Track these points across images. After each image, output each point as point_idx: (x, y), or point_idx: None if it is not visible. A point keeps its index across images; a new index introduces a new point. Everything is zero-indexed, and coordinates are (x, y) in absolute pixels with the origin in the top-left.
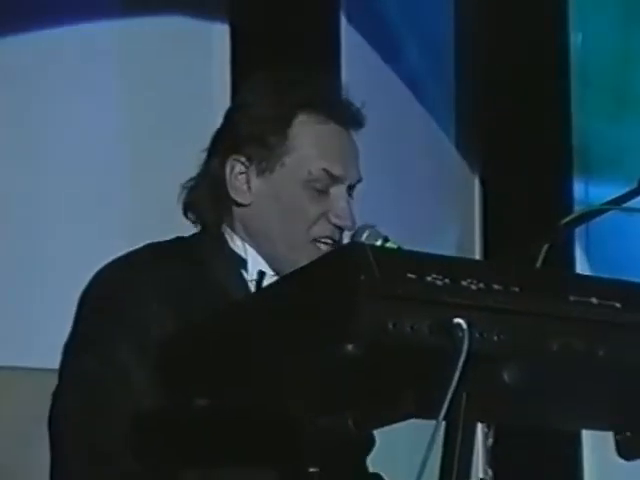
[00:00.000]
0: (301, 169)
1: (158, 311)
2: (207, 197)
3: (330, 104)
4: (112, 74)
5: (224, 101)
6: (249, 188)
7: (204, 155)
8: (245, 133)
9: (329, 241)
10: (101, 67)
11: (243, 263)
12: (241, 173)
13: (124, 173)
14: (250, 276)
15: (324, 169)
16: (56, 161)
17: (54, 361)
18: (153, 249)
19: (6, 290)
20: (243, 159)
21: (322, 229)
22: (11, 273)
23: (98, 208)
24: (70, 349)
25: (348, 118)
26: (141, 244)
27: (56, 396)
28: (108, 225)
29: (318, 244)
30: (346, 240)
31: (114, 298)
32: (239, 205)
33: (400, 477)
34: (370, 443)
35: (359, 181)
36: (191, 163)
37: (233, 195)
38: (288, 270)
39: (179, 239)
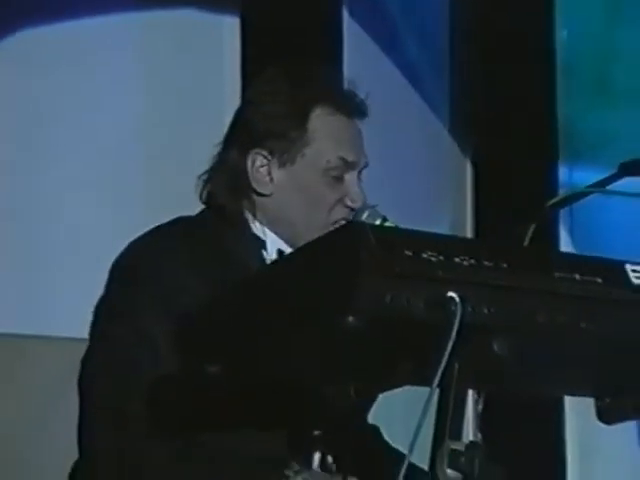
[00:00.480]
0: (320, 159)
1: (186, 283)
2: (226, 187)
3: (340, 97)
4: (128, 65)
5: (234, 91)
6: (271, 179)
7: (215, 146)
8: (264, 128)
9: (344, 222)
10: (118, 58)
11: (262, 244)
12: (262, 166)
13: (139, 159)
14: (269, 255)
15: (341, 158)
16: (75, 146)
17: (77, 330)
18: (183, 224)
19: (32, 262)
20: (265, 152)
21: (340, 213)
22: (38, 245)
23: (116, 184)
24: (101, 316)
25: (355, 109)
26: (157, 217)
27: (86, 360)
28: (125, 203)
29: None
30: None
31: (145, 268)
32: (260, 195)
33: (397, 439)
34: (371, 399)
35: (366, 165)
36: (202, 150)
37: (255, 186)
38: None
39: (203, 216)
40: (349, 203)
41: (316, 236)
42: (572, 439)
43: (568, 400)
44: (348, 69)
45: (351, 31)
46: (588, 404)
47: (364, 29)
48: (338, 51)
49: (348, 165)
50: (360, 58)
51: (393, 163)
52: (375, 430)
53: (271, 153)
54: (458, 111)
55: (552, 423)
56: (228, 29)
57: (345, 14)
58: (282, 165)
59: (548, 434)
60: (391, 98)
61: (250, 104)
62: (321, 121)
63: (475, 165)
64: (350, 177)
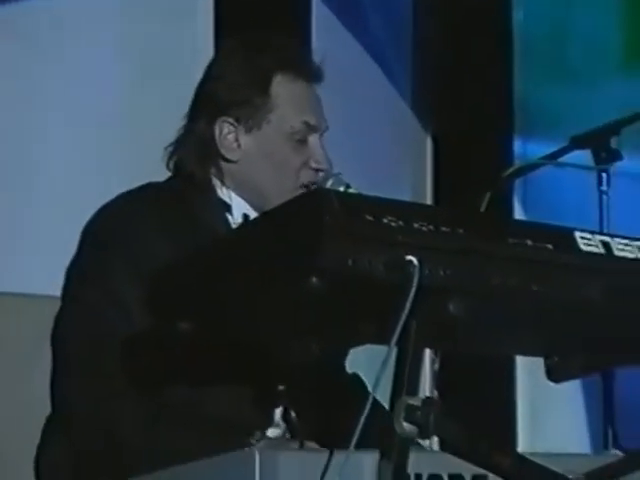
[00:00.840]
0: (285, 124)
1: (155, 246)
2: (195, 156)
3: (298, 64)
4: (108, 32)
5: (208, 59)
6: (239, 146)
7: (182, 118)
8: (229, 97)
9: (314, 186)
10: (95, 26)
11: (228, 208)
12: (229, 133)
13: (118, 125)
14: (235, 220)
15: (304, 122)
16: (56, 113)
17: (52, 289)
18: (152, 189)
19: (9, 224)
20: (231, 120)
21: (306, 176)
22: (16, 208)
23: (96, 151)
24: (73, 279)
25: (313, 74)
26: (135, 181)
27: (59, 322)
28: (105, 164)
29: (305, 189)
30: None
31: (115, 233)
32: (229, 161)
33: None
34: (344, 353)
35: (327, 129)
36: (176, 114)
37: (223, 152)
38: None
39: (172, 182)
40: (314, 165)
41: (285, 199)
42: (522, 396)
43: (519, 359)
44: (316, 44)
45: (319, 9)
46: (538, 363)
47: (330, 8)
48: (307, 27)
49: (310, 128)
50: (327, 35)
51: (358, 136)
52: (355, 378)
53: (237, 120)
54: (419, 88)
55: (504, 381)
56: (202, 2)
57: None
58: (249, 131)
59: (500, 391)
60: (356, 75)
61: (212, 76)
62: (282, 87)
63: (435, 138)
64: (313, 140)
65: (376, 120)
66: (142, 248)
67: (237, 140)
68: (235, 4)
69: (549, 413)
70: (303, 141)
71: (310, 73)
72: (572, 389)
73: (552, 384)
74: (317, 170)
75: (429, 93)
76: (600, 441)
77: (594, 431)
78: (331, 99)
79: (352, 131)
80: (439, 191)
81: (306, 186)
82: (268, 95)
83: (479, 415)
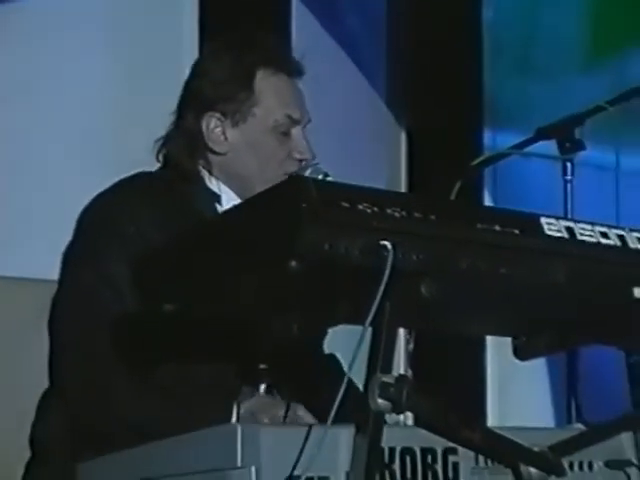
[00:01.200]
0: (269, 117)
1: (146, 232)
2: (184, 149)
3: (279, 59)
4: (93, 30)
5: (193, 56)
6: (225, 139)
7: (170, 114)
8: (214, 93)
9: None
10: (83, 23)
11: (218, 198)
12: (217, 127)
13: (104, 116)
14: (222, 208)
15: (287, 115)
16: (48, 105)
17: (48, 273)
18: (144, 178)
19: (9, 212)
20: (218, 115)
21: (289, 166)
22: (15, 197)
23: (89, 143)
24: (70, 260)
25: (294, 69)
26: (125, 171)
27: (56, 302)
28: (97, 155)
29: None
30: None
31: (108, 219)
32: (216, 154)
33: None
34: (323, 333)
35: (309, 121)
36: (161, 108)
37: (211, 146)
38: None
39: (163, 172)
40: (297, 155)
41: None
42: (492, 373)
43: (489, 339)
44: (295, 42)
45: (298, 9)
46: (507, 343)
47: (309, 8)
48: (287, 26)
49: (293, 121)
50: (305, 33)
51: (335, 131)
52: (332, 358)
53: (224, 115)
54: (394, 84)
55: (474, 359)
56: (187, 1)
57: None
58: (235, 125)
59: (471, 369)
60: (333, 72)
61: (198, 73)
62: (266, 82)
63: (409, 132)
64: (296, 132)
65: (353, 115)
66: (135, 233)
67: (224, 133)
68: (219, 4)
69: (517, 389)
70: (286, 133)
71: (291, 68)
72: (538, 367)
73: (519, 362)
74: (300, 160)
75: (403, 89)
76: (564, 415)
77: (558, 405)
78: (309, 95)
79: (330, 126)
80: (413, 183)
81: (286, 176)
82: (252, 90)
83: (451, 391)
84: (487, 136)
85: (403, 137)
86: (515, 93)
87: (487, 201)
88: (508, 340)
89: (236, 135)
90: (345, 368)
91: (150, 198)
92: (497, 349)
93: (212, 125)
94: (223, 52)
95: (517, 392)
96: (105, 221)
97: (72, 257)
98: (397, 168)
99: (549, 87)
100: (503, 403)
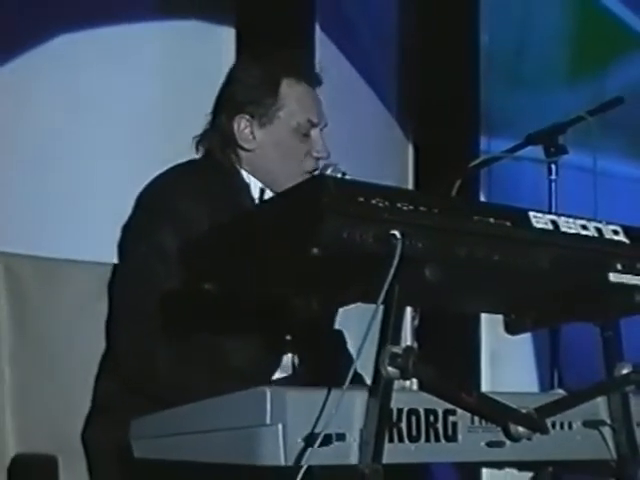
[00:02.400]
0: (292, 120)
1: (195, 211)
2: (218, 146)
3: (301, 69)
4: (149, 60)
5: None
6: (254, 138)
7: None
8: (244, 97)
9: (315, 172)
10: (141, 54)
11: (248, 187)
12: (246, 127)
13: (155, 128)
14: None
15: (307, 119)
16: (109, 118)
17: (102, 256)
18: (195, 165)
19: (70, 202)
20: (247, 117)
21: (309, 163)
22: (77, 191)
23: (137, 147)
24: (127, 234)
25: (314, 79)
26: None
27: (115, 272)
28: (147, 152)
29: (309, 174)
30: None
31: (163, 199)
32: (245, 150)
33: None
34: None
35: (326, 125)
36: (202, 113)
37: (242, 143)
38: None
39: (207, 163)
40: (315, 154)
41: (292, 182)
42: (485, 346)
43: (483, 316)
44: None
45: (321, 39)
46: (498, 319)
47: (330, 38)
48: (311, 54)
49: (313, 124)
50: (327, 60)
51: (349, 143)
52: (339, 335)
53: (252, 116)
54: (403, 101)
55: (471, 334)
56: (226, 36)
57: (317, 27)
58: (262, 126)
59: (467, 343)
60: (349, 91)
61: (231, 80)
62: (290, 89)
63: (415, 145)
64: (314, 133)
65: (365, 128)
66: (184, 212)
67: (252, 133)
68: (253, 30)
69: (507, 360)
70: (306, 134)
71: (311, 78)
72: (525, 341)
73: (510, 337)
74: (318, 159)
75: (411, 106)
76: (547, 382)
77: (542, 374)
78: (328, 112)
79: (344, 138)
80: (418, 179)
81: (309, 172)
82: (277, 96)
83: (451, 361)
84: (483, 142)
85: (410, 149)
86: (507, 104)
87: (482, 198)
88: (500, 317)
89: (263, 135)
90: (349, 343)
91: (199, 181)
92: (490, 325)
93: (242, 125)
94: (253, 62)
95: (507, 362)
96: (159, 201)
97: (129, 231)
98: (405, 177)
99: (537, 99)
100: (495, 371)
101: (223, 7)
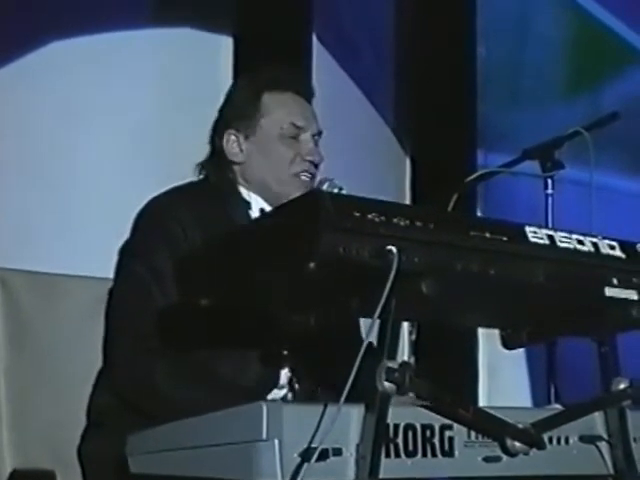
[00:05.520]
0: (275, 126)
1: (189, 233)
2: (212, 164)
3: (286, 81)
4: (145, 69)
5: (226, 87)
6: (241, 150)
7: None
8: (230, 113)
9: (307, 174)
10: (137, 62)
11: (248, 205)
12: (234, 142)
13: (152, 140)
14: (254, 214)
15: (291, 123)
16: (105, 130)
17: (100, 271)
18: (190, 186)
19: (68, 218)
20: (233, 131)
21: (299, 166)
22: (75, 207)
23: (134, 161)
24: (124, 254)
25: (302, 89)
26: (166, 179)
27: (112, 291)
28: (144, 169)
29: (300, 177)
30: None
31: (159, 220)
32: (237, 164)
33: None
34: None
35: (320, 132)
36: (198, 129)
37: (231, 158)
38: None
39: (204, 184)
40: (305, 156)
41: (285, 187)
42: (483, 361)
43: (481, 331)
44: (315, 79)
45: (319, 52)
46: (495, 334)
47: (328, 50)
48: (308, 67)
49: (299, 128)
50: (324, 72)
51: (348, 157)
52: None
53: (238, 130)
54: (400, 116)
55: (468, 348)
56: (223, 45)
57: (314, 39)
58: (247, 138)
59: (465, 357)
60: (347, 104)
61: (224, 101)
62: (272, 98)
63: (413, 158)
64: (304, 137)
65: (363, 142)
66: (178, 233)
67: (240, 146)
68: (249, 46)
69: (503, 375)
70: (294, 138)
71: (299, 88)
72: (521, 356)
73: (506, 351)
74: (310, 162)
75: (408, 120)
76: (541, 396)
77: (535, 388)
78: (326, 124)
79: (343, 151)
80: (416, 202)
81: (297, 175)
82: (258, 106)
83: (448, 375)
84: (480, 156)
85: (407, 163)
86: (504, 119)
87: (478, 212)
88: (497, 332)
89: (249, 145)
90: None
91: (194, 203)
92: (488, 339)
93: (230, 140)
94: (242, 80)
95: (503, 377)
96: (155, 222)
97: (126, 252)
98: (402, 190)
99: (533, 114)
100: (492, 385)
101: (221, 16)
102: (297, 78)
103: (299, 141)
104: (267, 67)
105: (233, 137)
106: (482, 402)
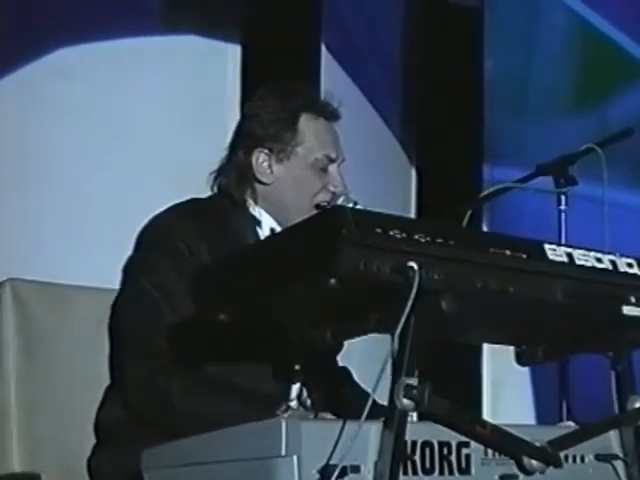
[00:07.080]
0: (310, 156)
1: (195, 249)
2: (235, 180)
3: (319, 106)
4: (153, 77)
5: (236, 101)
6: (271, 172)
7: (224, 149)
8: (263, 132)
9: (326, 203)
10: (144, 70)
11: (258, 223)
12: (264, 161)
13: (160, 153)
14: (263, 232)
15: (325, 155)
16: (113, 141)
17: (108, 282)
18: (195, 203)
19: (77, 231)
20: (266, 151)
21: (322, 196)
22: (85, 220)
23: (148, 172)
24: (128, 271)
25: (332, 115)
26: (175, 192)
27: (117, 309)
28: (153, 181)
29: (318, 207)
30: None
31: (164, 237)
32: (262, 184)
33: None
34: (340, 345)
35: (344, 160)
36: (207, 147)
37: (259, 177)
38: None
39: (213, 199)
40: (332, 188)
41: (301, 216)
42: (487, 377)
43: (485, 346)
44: (323, 88)
45: (327, 60)
46: (501, 350)
47: (336, 59)
48: (316, 75)
49: (330, 160)
50: (332, 81)
51: (354, 167)
52: (345, 371)
53: (270, 151)
54: (406, 126)
55: (472, 364)
56: (232, 54)
57: (323, 47)
58: (279, 161)
59: (469, 372)
60: (355, 115)
61: (249, 116)
62: (308, 125)
63: (418, 169)
64: (332, 168)
65: (370, 153)
66: (183, 250)
67: (270, 167)
68: (257, 57)
69: (508, 390)
70: (324, 169)
71: (329, 113)
72: (525, 373)
73: (511, 367)
74: (333, 193)
75: (415, 131)
76: (549, 414)
77: (539, 405)
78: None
79: (350, 161)
80: (421, 212)
81: (319, 206)
82: (296, 132)
83: (453, 390)
84: (486, 171)
85: (413, 173)
86: (510, 133)
87: (484, 226)
88: (502, 348)
89: (281, 169)
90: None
91: (198, 220)
92: (492, 355)
93: (261, 159)
94: (271, 97)
95: (507, 393)
96: (159, 238)
97: (131, 269)
98: (407, 201)
99: (540, 128)
100: (496, 401)
101: (229, 24)
102: (326, 101)
103: (328, 172)
104: (295, 84)
105: (264, 156)
106: (486, 418)
